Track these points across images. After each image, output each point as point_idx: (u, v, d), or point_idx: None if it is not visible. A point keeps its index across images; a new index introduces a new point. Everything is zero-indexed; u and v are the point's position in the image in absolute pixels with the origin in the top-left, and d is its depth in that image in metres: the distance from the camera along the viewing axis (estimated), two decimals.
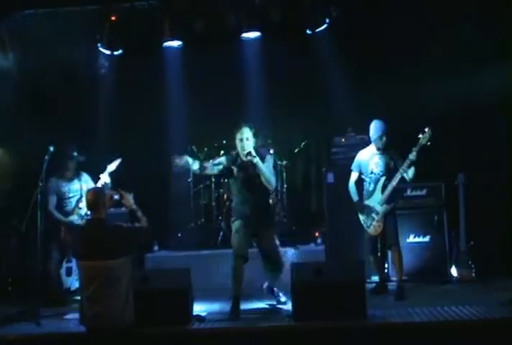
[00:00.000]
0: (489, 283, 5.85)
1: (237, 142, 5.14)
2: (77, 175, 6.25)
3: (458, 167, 6.28)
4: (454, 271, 6.08)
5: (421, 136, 5.41)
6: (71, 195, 6.18)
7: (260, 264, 6.25)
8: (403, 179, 5.54)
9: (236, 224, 5.25)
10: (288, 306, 5.11)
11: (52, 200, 6.10)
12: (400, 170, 5.47)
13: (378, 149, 5.68)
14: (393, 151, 5.66)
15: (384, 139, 5.61)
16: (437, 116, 6.26)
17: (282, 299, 5.42)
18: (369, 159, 5.71)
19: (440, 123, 6.01)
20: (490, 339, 4.37)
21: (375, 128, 5.65)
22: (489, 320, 4.51)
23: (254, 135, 5.14)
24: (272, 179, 5.13)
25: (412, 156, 5.38)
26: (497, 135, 6.57)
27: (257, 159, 5.01)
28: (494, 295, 5.29)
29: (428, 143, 5.39)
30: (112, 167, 6.01)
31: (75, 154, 6.17)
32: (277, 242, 5.39)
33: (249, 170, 5.13)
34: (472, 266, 6.02)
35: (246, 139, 5.10)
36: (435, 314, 4.74)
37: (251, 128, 5.14)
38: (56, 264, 6.02)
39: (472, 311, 4.75)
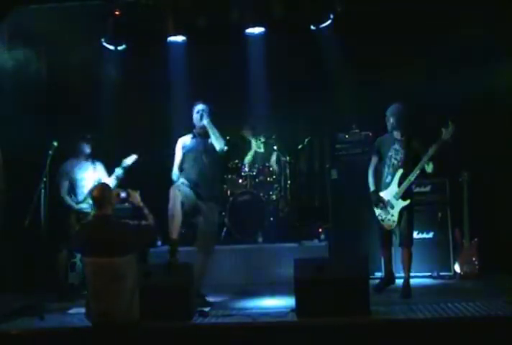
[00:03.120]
0: (493, 280, 5.84)
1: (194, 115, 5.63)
2: (91, 162, 6.18)
3: (462, 164, 6.26)
4: (457, 268, 6.07)
5: (443, 130, 5.20)
6: (83, 183, 6.07)
7: (262, 259, 6.32)
8: (421, 174, 5.33)
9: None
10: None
11: (64, 185, 6.03)
12: (419, 165, 5.26)
13: (399, 131, 5.39)
14: (417, 141, 5.42)
15: (404, 114, 5.37)
16: (442, 113, 6.24)
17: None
18: (390, 143, 5.47)
19: (445, 120, 5.99)
20: (493, 336, 4.36)
21: (392, 108, 5.45)
22: (492, 318, 4.50)
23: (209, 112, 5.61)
24: (222, 140, 5.53)
25: (432, 150, 5.18)
26: (502, 133, 6.54)
27: (208, 120, 5.50)
28: (498, 292, 5.28)
29: (451, 139, 5.17)
30: (128, 161, 6.01)
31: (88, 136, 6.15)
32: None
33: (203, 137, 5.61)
34: (476, 263, 6.01)
35: (202, 110, 5.57)
36: (438, 311, 4.74)
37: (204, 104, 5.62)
38: (64, 256, 5.94)
39: (476, 308, 4.74)
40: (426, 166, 5.27)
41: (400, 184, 5.37)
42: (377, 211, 5.51)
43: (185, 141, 5.73)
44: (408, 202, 5.36)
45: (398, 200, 5.38)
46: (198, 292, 5.29)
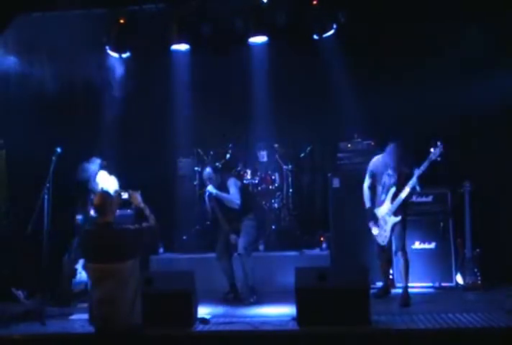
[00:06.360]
0: (494, 291, 5.83)
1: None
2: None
3: (464, 175, 6.26)
4: (459, 278, 6.06)
5: (432, 150, 5.38)
6: None
7: (264, 268, 6.31)
8: (412, 192, 5.55)
9: None
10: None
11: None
12: (410, 184, 5.49)
13: (393, 164, 5.64)
14: (408, 161, 5.60)
15: (398, 154, 5.59)
16: (444, 123, 6.26)
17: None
18: (383, 169, 5.71)
19: (447, 130, 6.01)
20: None
21: (388, 149, 5.65)
22: (494, 328, 4.50)
23: (214, 171, 6.08)
24: (233, 201, 5.91)
25: (420, 170, 5.41)
26: (503, 143, 6.56)
27: (215, 192, 5.95)
28: (499, 303, 5.28)
29: (439, 158, 5.37)
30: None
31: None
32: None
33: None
34: (478, 273, 5.99)
35: (208, 180, 6.02)
36: (439, 321, 4.74)
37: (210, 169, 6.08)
38: (68, 262, 5.89)
39: (477, 319, 4.74)
40: (416, 184, 5.48)
41: (392, 201, 5.59)
42: (372, 227, 5.71)
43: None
44: (399, 218, 5.59)
45: (390, 216, 5.60)
46: (252, 287, 5.78)
